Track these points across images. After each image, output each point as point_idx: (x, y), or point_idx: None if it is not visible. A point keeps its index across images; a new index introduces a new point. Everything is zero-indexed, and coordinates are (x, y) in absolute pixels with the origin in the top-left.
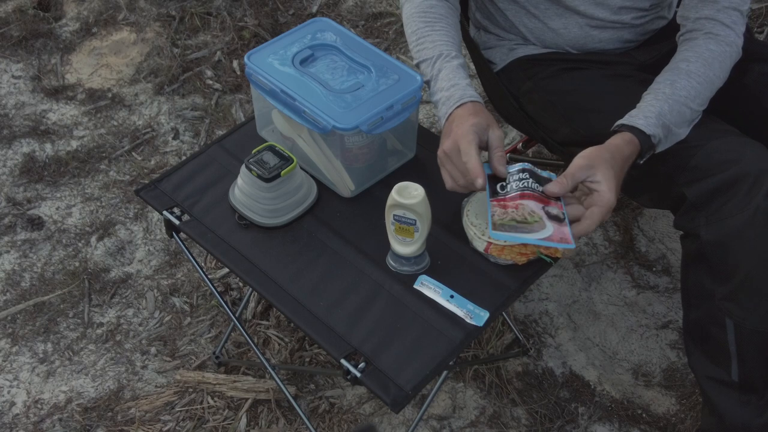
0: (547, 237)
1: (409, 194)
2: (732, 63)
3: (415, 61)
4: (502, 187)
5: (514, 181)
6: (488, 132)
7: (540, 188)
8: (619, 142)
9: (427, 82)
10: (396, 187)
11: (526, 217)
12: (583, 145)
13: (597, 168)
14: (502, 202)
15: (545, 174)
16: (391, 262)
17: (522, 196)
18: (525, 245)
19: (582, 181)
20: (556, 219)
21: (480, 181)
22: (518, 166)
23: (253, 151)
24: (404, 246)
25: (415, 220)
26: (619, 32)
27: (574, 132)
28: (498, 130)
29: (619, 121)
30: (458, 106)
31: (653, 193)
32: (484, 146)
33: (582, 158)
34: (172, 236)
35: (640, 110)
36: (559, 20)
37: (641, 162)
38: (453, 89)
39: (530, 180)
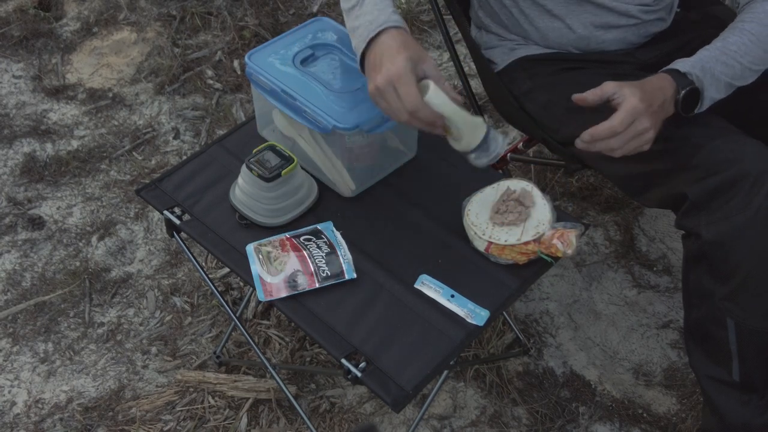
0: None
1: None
2: None
3: None
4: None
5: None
6: (423, 65)
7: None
8: (650, 77)
9: (349, 9)
10: (423, 85)
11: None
12: None
13: (624, 86)
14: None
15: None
16: (471, 160)
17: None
18: (526, 244)
19: (612, 100)
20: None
21: (423, 113)
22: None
23: (254, 150)
24: (457, 143)
25: (443, 117)
26: (623, 33)
27: (576, 131)
28: (431, 60)
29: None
30: (382, 31)
31: (654, 192)
32: (419, 79)
33: (612, 81)
34: (172, 236)
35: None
36: (560, 22)
37: (680, 96)
38: (377, 13)
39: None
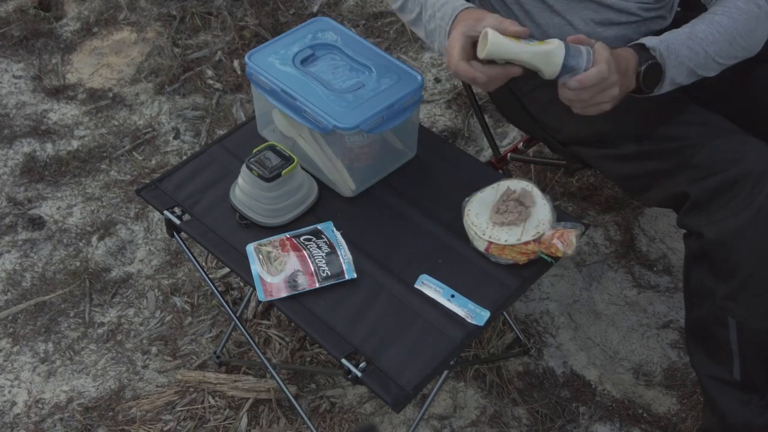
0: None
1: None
2: (762, 28)
3: (395, 6)
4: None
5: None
6: (482, 23)
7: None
8: (616, 49)
9: (414, 21)
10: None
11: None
12: (585, 144)
13: (596, 43)
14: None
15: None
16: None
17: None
18: (526, 244)
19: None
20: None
21: (463, 70)
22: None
23: (254, 150)
24: (542, 76)
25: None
26: (624, 30)
27: (577, 130)
28: (490, 15)
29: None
30: (452, 21)
31: (655, 191)
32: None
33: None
34: (172, 236)
35: None
36: (561, 19)
37: (642, 69)
38: (444, 8)
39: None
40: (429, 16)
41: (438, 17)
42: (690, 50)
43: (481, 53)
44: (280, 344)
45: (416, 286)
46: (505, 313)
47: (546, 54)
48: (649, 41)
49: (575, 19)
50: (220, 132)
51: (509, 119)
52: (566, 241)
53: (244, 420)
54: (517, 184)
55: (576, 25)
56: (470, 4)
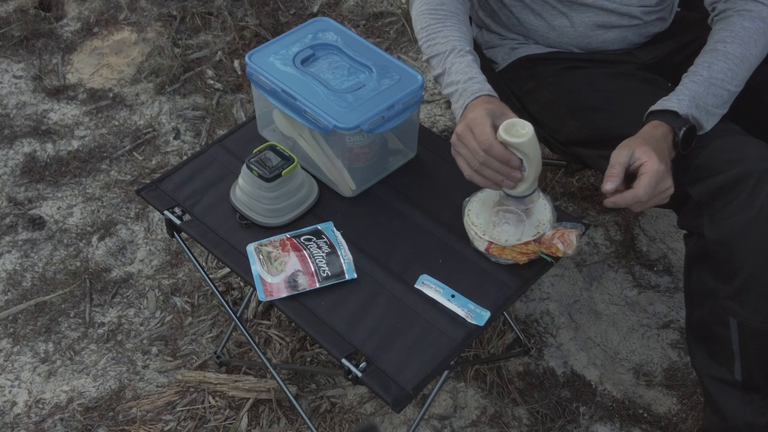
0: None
1: (516, 132)
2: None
3: (425, 57)
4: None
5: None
6: (502, 118)
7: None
8: (646, 128)
9: (438, 77)
10: (503, 124)
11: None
12: (585, 144)
13: (633, 147)
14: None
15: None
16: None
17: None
18: (526, 244)
19: (629, 166)
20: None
21: (497, 148)
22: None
23: (254, 150)
24: (520, 185)
25: (521, 160)
26: (624, 33)
27: (577, 131)
28: (513, 115)
29: (651, 108)
30: (475, 98)
31: None
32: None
33: (618, 147)
34: (173, 236)
35: (674, 93)
36: (565, 19)
37: (679, 138)
38: (470, 82)
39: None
40: (452, 81)
41: (461, 88)
42: (715, 96)
43: (511, 137)
44: (280, 344)
45: (416, 286)
46: (505, 313)
47: (540, 170)
48: (678, 107)
49: (576, 21)
50: (221, 132)
51: None
52: (566, 241)
53: (245, 420)
54: None
55: (577, 27)
56: (493, 93)
